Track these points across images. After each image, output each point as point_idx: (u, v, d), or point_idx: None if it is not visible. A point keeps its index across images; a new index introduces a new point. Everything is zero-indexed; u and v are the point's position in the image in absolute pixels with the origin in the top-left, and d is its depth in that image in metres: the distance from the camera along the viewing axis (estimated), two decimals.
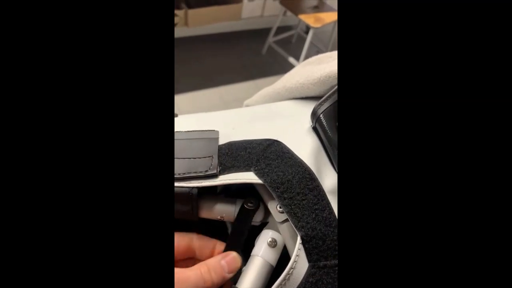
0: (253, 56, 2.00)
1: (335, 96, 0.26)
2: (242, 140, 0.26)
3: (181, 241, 0.24)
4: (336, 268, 0.21)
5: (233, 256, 0.23)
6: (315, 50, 1.99)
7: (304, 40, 1.80)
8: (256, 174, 0.23)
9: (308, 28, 1.80)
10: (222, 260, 0.22)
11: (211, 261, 0.22)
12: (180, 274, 0.20)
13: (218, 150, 0.25)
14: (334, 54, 0.34)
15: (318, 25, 1.68)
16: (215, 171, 0.23)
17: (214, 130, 0.27)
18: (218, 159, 0.24)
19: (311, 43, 1.78)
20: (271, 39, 1.94)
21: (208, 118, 0.30)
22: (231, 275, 0.22)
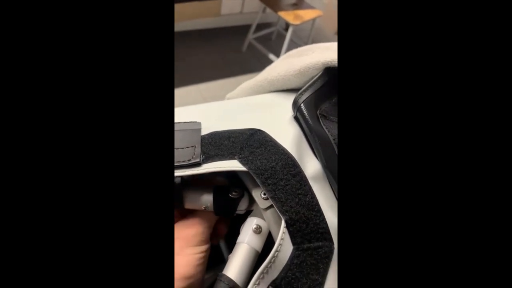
0: (233, 53, 1.99)
1: (315, 86, 0.27)
2: (225, 130, 0.26)
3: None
4: (319, 249, 0.21)
5: None
6: (295, 47, 2.00)
7: (284, 37, 1.82)
8: (240, 161, 0.23)
9: (287, 25, 1.81)
10: None
11: None
12: None
13: (201, 140, 0.25)
14: (314, 47, 0.35)
15: (297, 22, 1.69)
16: (198, 160, 0.23)
17: (196, 122, 0.27)
18: (201, 148, 0.24)
19: (291, 40, 1.79)
20: (251, 36, 1.94)
21: (190, 111, 0.30)
22: None
